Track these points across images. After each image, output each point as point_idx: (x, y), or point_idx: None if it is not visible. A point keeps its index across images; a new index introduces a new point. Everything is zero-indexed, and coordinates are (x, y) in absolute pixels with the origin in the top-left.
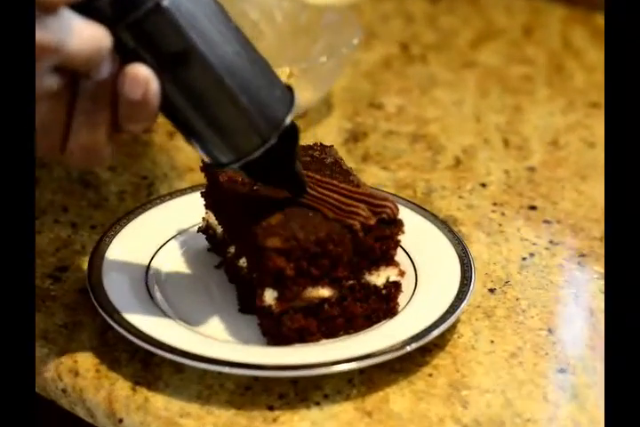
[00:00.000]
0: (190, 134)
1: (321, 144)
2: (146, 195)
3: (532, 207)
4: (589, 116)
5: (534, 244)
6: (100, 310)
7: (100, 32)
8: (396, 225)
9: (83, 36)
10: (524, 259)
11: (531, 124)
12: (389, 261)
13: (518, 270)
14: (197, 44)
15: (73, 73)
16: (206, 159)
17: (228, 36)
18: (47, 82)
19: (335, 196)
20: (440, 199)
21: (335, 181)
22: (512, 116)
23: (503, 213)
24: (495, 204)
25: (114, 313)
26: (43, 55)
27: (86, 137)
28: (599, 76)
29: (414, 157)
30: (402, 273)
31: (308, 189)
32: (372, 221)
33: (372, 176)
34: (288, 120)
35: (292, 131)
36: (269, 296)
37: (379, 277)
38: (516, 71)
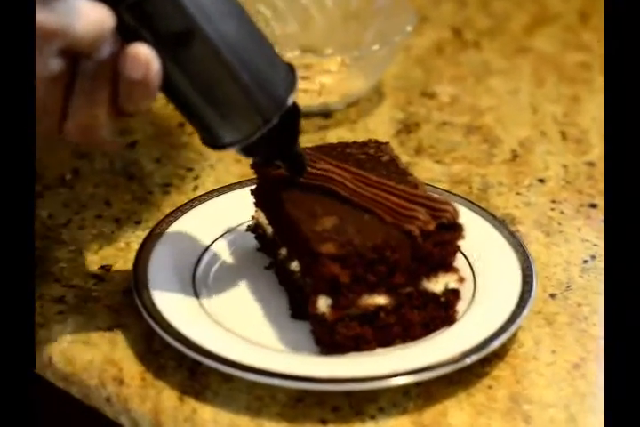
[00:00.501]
0: (191, 114)
1: (376, 141)
2: (192, 188)
3: (593, 205)
4: None
5: (595, 245)
6: (145, 315)
7: (105, 13)
8: (456, 230)
9: (89, 18)
10: (585, 261)
11: (589, 115)
12: (448, 267)
13: (580, 274)
14: (199, 23)
15: (75, 54)
16: (205, 139)
17: (230, 16)
18: (52, 65)
19: (392, 198)
20: (497, 196)
21: (392, 182)
22: (569, 106)
23: (562, 212)
24: (554, 201)
25: (159, 318)
26: (50, 39)
27: (85, 117)
28: None
29: (469, 150)
30: (461, 280)
31: (363, 191)
32: (432, 226)
33: (426, 170)
34: (290, 100)
35: (294, 111)
36: (323, 304)
37: (437, 284)
38: (572, 58)
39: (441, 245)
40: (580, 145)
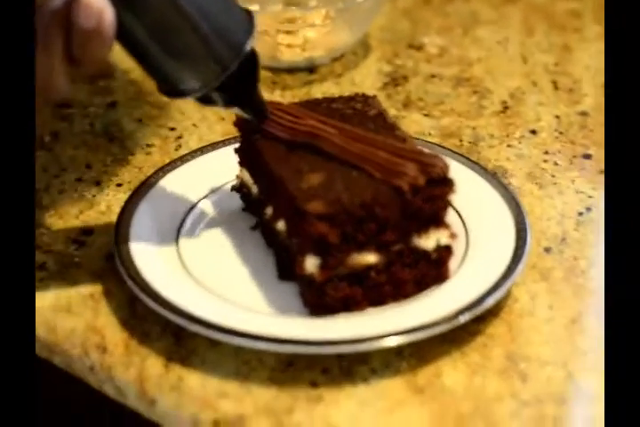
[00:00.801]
0: (147, 63)
1: (363, 95)
2: (174, 148)
3: (587, 156)
4: None
5: (590, 196)
6: (128, 280)
7: None
8: (447, 184)
9: None
10: (580, 214)
11: (581, 64)
12: (439, 222)
13: (575, 227)
14: None
15: None
16: (162, 88)
17: None
18: None
19: (380, 153)
20: (488, 148)
21: (380, 137)
22: (560, 55)
23: (556, 163)
24: (547, 152)
25: (142, 283)
26: None
27: (40, 68)
28: None
29: (459, 103)
30: (453, 236)
31: (350, 146)
32: (422, 181)
33: (415, 124)
34: (248, 46)
35: (252, 57)
36: (311, 264)
37: (428, 241)
38: (562, 6)
39: (431, 200)
40: (572, 95)
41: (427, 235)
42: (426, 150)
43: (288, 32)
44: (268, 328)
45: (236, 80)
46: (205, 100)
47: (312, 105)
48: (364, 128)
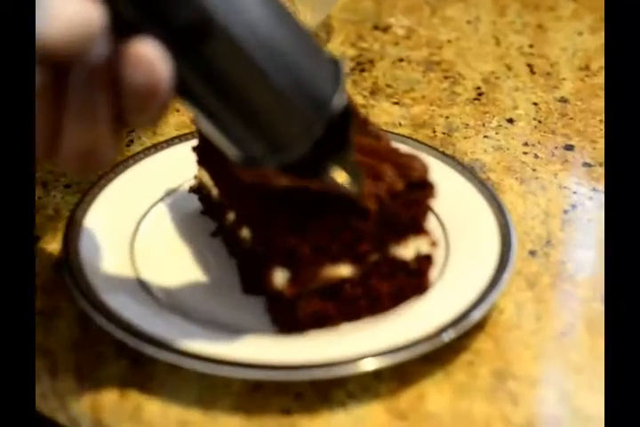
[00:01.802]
0: (215, 125)
1: None
2: (125, 143)
3: (569, 147)
4: None
5: (575, 192)
6: (78, 296)
7: (89, 8)
8: (427, 188)
9: (63, 17)
10: (565, 212)
11: (557, 45)
12: (419, 230)
13: (560, 227)
14: (218, 11)
15: (57, 63)
16: (235, 156)
17: (256, 1)
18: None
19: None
20: (463, 140)
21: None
22: (535, 36)
23: (537, 155)
24: (526, 144)
25: (94, 299)
26: None
27: (83, 137)
28: None
29: (430, 89)
30: (434, 244)
31: None
32: (400, 186)
33: (384, 113)
34: (337, 102)
35: (344, 114)
36: (280, 278)
37: (407, 250)
38: None
39: (410, 206)
40: (549, 79)
41: (405, 243)
42: (403, 150)
43: None
44: (234, 350)
45: (324, 144)
46: (290, 169)
47: None
48: None
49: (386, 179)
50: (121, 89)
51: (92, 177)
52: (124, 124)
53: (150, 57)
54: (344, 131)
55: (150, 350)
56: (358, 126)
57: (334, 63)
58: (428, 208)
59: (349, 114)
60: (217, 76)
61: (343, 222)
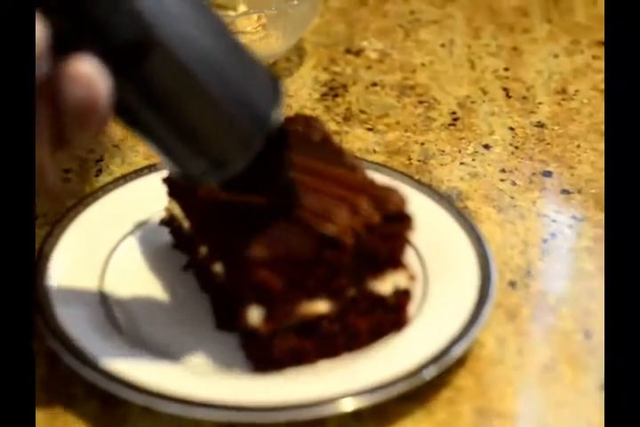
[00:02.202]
0: (154, 143)
1: (304, 116)
2: (94, 173)
3: (547, 173)
4: (599, 57)
5: (554, 220)
6: (47, 334)
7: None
8: (405, 221)
9: None
10: (544, 241)
11: (532, 68)
12: (397, 264)
13: (540, 256)
14: (156, 28)
15: None
16: (174, 173)
17: (197, 17)
18: None
19: (329, 186)
20: (439, 167)
21: (327, 166)
22: (510, 59)
23: (514, 183)
24: (503, 170)
25: (63, 338)
26: None
27: None
28: (602, 10)
29: (404, 115)
30: (412, 278)
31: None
32: (376, 219)
33: (358, 139)
34: (276, 118)
35: (281, 131)
36: (255, 315)
37: (385, 285)
38: (507, 3)
39: (388, 239)
40: (525, 103)
41: (383, 278)
42: (379, 182)
43: None
44: (207, 390)
45: (263, 160)
46: (228, 186)
47: None
48: (309, 156)
49: (362, 212)
50: (60, 106)
51: (60, 208)
52: (64, 143)
53: (89, 74)
54: (281, 144)
55: (121, 392)
56: (333, 156)
57: (273, 78)
58: (406, 241)
59: (286, 131)
60: (156, 93)
61: (318, 257)
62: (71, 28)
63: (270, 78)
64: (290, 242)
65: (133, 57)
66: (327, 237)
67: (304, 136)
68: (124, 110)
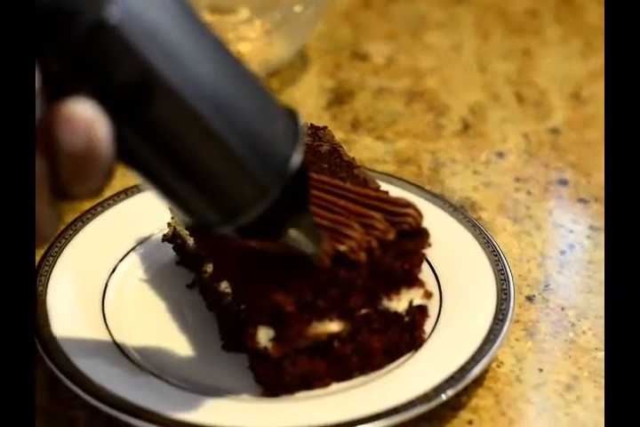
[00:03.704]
0: (163, 190)
1: (312, 126)
2: None
3: (563, 182)
4: None
5: (572, 231)
6: (46, 358)
7: None
8: (421, 237)
9: None
10: (562, 252)
11: (545, 72)
12: (413, 281)
13: (558, 269)
14: (161, 69)
15: None
16: (186, 221)
17: (204, 54)
18: None
19: (341, 202)
20: (451, 176)
21: (338, 181)
22: (521, 62)
23: (529, 192)
24: (518, 179)
25: (63, 362)
26: None
27: None
28: None
29: (414, 122)
30: (428, 295)
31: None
32: (391, 235)
33: (366, 149)
34: (295, 162)
35: (301, 174)
36: (264, 336)
37: (400, 302)
38: (517, 5)
39: (403, 256)
40: (539, 108)
41: (398, 296)
42: (393, 196)
43: None
44: (215, 416)
45: (281, 206)
46: (245, 233)
47: None
48: (318, 169)
49: (376, 228)
50: (57, 155)
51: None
52: (63, 196)
53: (87, 117)
54: (301, 189)
55: (126, 418)
56: (343, 169)
57: (291, 116)
58: (423, 258)
59: (306, 170)
60: (163, 140)
61: (331, 276)
62: (66, 69)
63: (289, 117)
64: (300, 260)
65: (135, 99)
66: (340, 254)
67: (313, 147)
68: (130, 158)
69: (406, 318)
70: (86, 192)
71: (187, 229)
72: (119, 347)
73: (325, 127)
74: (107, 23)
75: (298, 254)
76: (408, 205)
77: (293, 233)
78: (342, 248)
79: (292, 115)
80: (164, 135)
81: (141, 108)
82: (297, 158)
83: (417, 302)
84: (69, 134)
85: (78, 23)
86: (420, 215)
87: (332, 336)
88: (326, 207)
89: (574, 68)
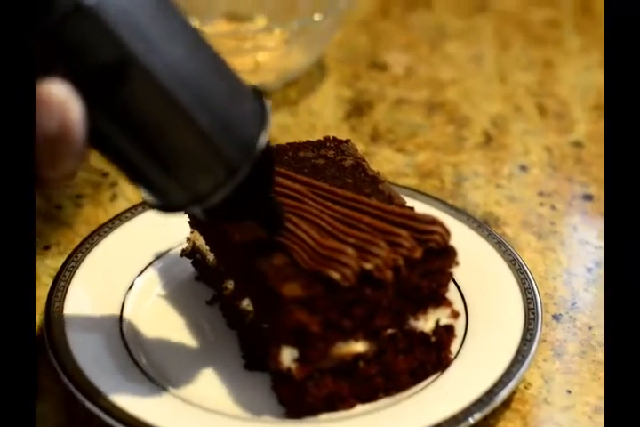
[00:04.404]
0: (132, 172)
1: (334, 139)
2: (109, 198)
3: (588, 197)
4: None
5: (598, 247)
6: (64, 377)
7: None
8: (448, 255)
9: None
10: (589, 270)
11: (566, 82)
12: (440, 301)
13: (585, 286)
14: (136, 50)
15: None
16: (152, 202)
17: (176, 36)
18: None
19: (366, 218)
20: (474, 190)
21: (362, 197)
22: (542, 73)
23: (553, 207)
24: (542, 193)
25: (81, 381)
26: None
27: None
28: None
29: (434, 134)
30: (455, 314)
31: (326, 209)
32: (418, 254)
33: (386, 161)
34: (262, 142)
35: (266, 155)
36: (288, 357)
37: (426, 322)
38: (537, 15)
39: (430, 275)
40: (561, 121)
41: (424, 315)
42: (420, 213)
43: (235, 54)
44: None
45: (247, 186)
46: (211, 214)
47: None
48: (341, 183)
49: (403, 246)
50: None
51: (75, 238)
52: (37, 179)
53: (62, 99)
54: (267, 169)
55: None
56: (367, 184)
57: (259, 98)
58: (450, 277)
59: (271, 151)
60: (136, 121)
61: (356, 295)
62: (42, 50)
63: (256, 99)
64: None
65: (110, 80)
66: (366, 272)
67: (335, 162)
68: (99, 139)
69: (433, 339)
70: (58, 176)
71: (154, 209)
72: (138, 365)
73: (348, 140)
74: (84, 4)
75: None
76: (435, 222)
77: (256, 212)
78: (368, 266)
79: (260, 99)
80: (137, 116)
81: (115, 90)
82: (264, 137)
83: (444, 321)
84: (44, 116)
85: (56, 4)
86: (448, 233)
87: (358, 357)
88: (351, 224)
89: (595, 79)
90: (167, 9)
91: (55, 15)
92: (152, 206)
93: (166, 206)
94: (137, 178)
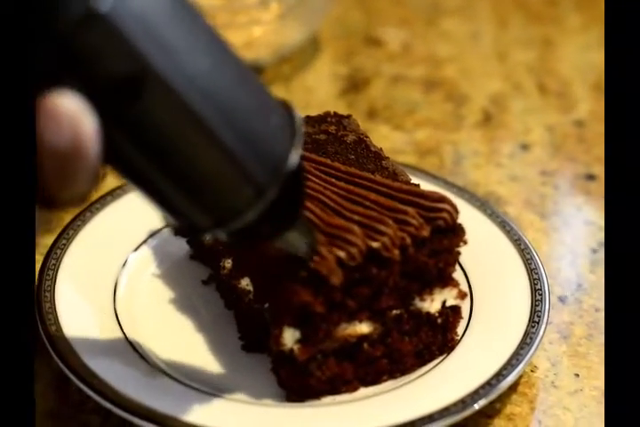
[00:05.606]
0: (152, 196)
1: (335, 114)
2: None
3: (590, 177)
4: None
5: (602, 228)
6: (57, 359)
7: None
8: (456, 233)
9: None
10: (594, 251)
11: (567, 61)
12: (447, 281)
13: (590, 268)
14: (154, 61)
15: None
16: (175, 226)
17: (198, 46)
18: None
19: (372, 195)
20: (474, 169)
21: (368, 174)
22: (542, 51)
23: (556, 187)
24: (544, 173)
25: (75, 363)
26: None
27: None
28: None
29: (433, 111)
30: (462, 295)
31: (330, 186)
32: (426, 232)
33: (384, 139)
34: (292, 160)
35: (297, 173)
36: (290, 338)
37: (432, 303)
38: None
39: (438, 254)
40: (562, 99)
41: (431, 296)
42: (427, 190)
43: (227, 29)
44: (232, 421)
45: (276, 208)
46: (236, 237)
47: None
48: (344, 159)
49: (410, 224)
50: (39, 154)
51: (65, 215)
52: (46, 202)
53: (73, 113)
54: (297, 189)
55: (140, 422)
56: (371, 160)
57: (286, 110)
58: (457, 256)
59: (302, 169)
60: (154, 138)
61: (361, 274)
62: (52, 60)
63: (284, 110)
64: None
65: (125, 93)
66: (373, 251)
67: (337, 137)
68: (117, 159)
69: (439, 320)
70: (71, 198)
71: (175, 234)
72: (132, 346)
73: (350, 115)
74: (97, 11)
75: (291, 257)
76: (443, 199)
77: (289, 236)
78: (375, 245)
79: (288, 111)
80: (156, 133)
81: (131, 104)
82: (295, 155)
83: (450, 302)
84: (53, 131)
85: (67, 10)
86: (456, 211)
87: (362, 338)
88: (356, 201)
89: (596, 57)
90: (189, 16)
91: (65, 22)
92: (171, 228)
93: (187, 230)
94: (155, 199)
